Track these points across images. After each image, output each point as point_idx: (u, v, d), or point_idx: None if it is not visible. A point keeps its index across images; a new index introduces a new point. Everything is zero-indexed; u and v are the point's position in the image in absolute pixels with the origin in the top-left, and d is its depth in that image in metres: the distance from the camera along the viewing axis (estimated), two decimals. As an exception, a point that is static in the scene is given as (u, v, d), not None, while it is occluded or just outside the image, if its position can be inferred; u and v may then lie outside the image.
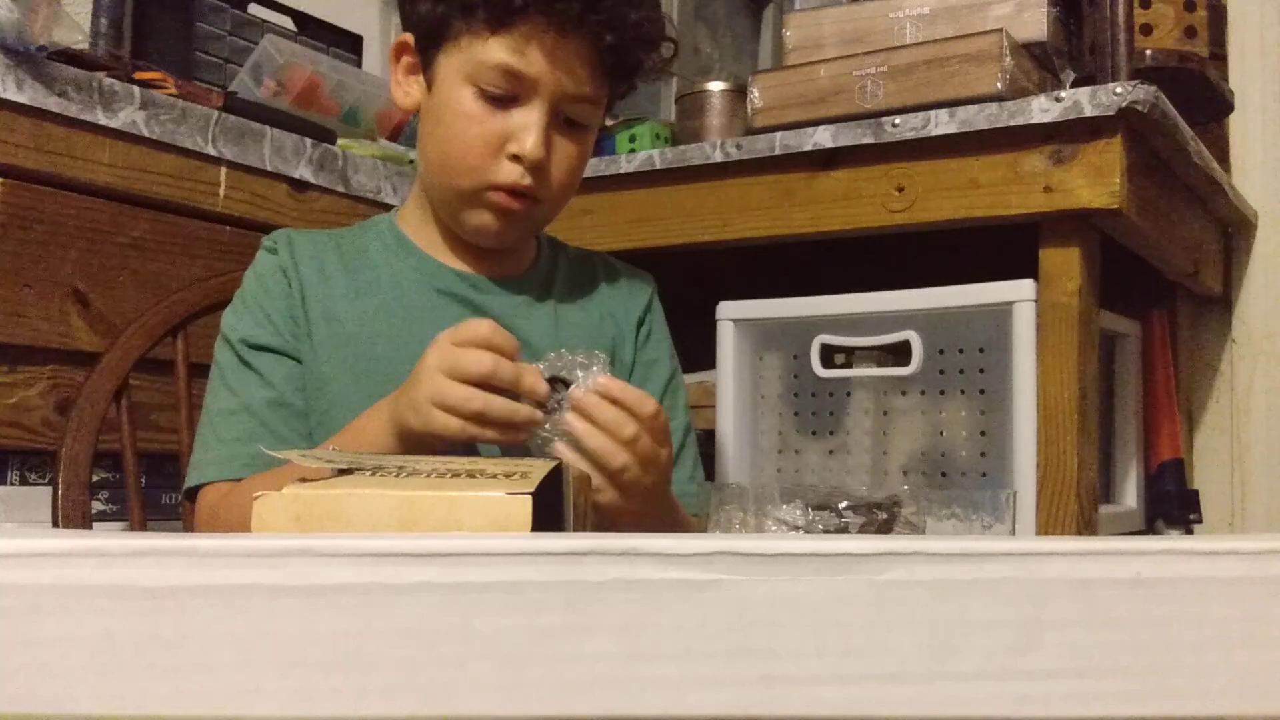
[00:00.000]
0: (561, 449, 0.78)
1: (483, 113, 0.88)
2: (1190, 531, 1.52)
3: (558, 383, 0.79)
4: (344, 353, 0.91)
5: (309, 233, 1.00)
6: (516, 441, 0.78)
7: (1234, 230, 1.65)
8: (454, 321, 0.94)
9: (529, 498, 0.46)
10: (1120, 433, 1.45)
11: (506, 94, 0.88)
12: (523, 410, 0.77)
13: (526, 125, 0.87)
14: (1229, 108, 1.52)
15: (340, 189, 1.37)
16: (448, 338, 0.78)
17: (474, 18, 0.87)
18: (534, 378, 0.77)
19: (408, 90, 0.95)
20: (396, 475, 0.50)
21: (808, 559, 0.32)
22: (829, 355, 1.28)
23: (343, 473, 0.52)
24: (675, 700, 0.31)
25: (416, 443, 0.79)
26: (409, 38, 0.95)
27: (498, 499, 0.46)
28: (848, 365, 1.28)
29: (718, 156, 1.33)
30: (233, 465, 0.87)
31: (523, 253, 1.01)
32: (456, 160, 0.90)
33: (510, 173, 0.88)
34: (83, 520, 1.00)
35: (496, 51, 0.86)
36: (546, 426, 0.78)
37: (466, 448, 0.92)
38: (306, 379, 0.91)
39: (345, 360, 0.91)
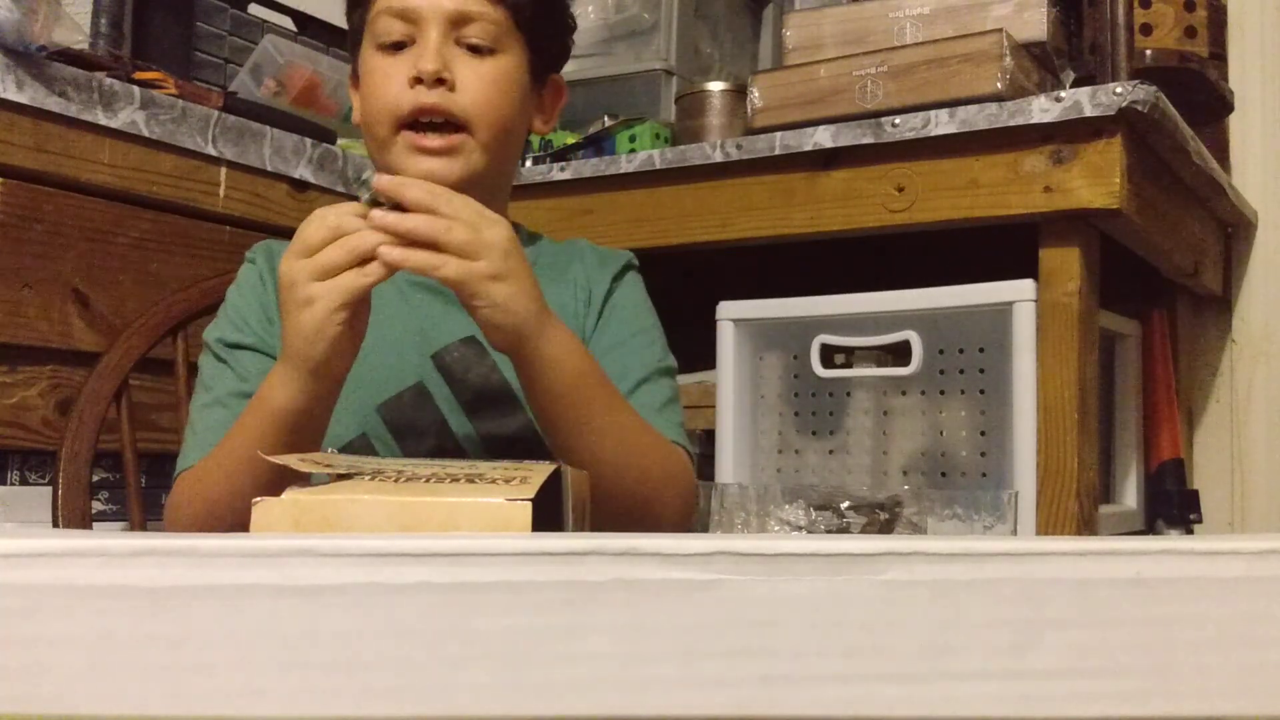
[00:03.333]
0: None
1: (386, 63, 0.91)
2: (1190, 531, 1.52)
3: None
4: None
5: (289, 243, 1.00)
6: (408, 262, 0.74)
7: (1234, 230, 1.65)
8: (426, 309, 0.95)
9: (528, 504, 0.46)
10: (1120, 433, 1.45)
11: (402, 38, 0.91)
12: (368, 236, 0.74)
13: (421, 52, 0.90)
14: (1229, 108, 1.52)
15: (340, 189, 1.37)
16: (293, 241, 0.76)
17: None
18: (375, 211, 0.75)
19: (358, 107, 0.98)
20: (395, 480, 0.50)
21: (808, 559, 0.32)
22: (829, 355, 1.28)
23: (340, 478, 0.51)
24: (675, 700, 0.31)
25: (320, 361, 0.76)
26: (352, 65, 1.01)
27: (497, 505, 0.46)
28: (848, 365, 1.28)
29: (718, 156, 1.33)
30: (205, 453, 0.88)
31: None
32: (373, 111, 0.92)
33: (414, 97, 0.89)
34: (83, 520, 1.00)
35: (381, 4, 0.91)
36: None
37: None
38: None
39: None
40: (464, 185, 0.91)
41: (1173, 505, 1.50)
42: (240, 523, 0.75)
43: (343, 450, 0.90)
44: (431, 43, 0.90)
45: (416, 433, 0.92)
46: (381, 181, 0.76)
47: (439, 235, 0.74)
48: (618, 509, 0.82)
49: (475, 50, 0.92)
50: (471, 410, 0.92)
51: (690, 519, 0.90)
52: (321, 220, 0.74)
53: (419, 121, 0.90)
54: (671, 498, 0.88)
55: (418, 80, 0.89)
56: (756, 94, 1.33)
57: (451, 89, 0.90)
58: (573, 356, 0.83)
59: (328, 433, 0.85)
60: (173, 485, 0.90)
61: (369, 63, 0.93)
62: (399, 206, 0.75)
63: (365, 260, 0.74)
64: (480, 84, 0.91)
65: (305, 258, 0.74)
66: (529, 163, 1.50)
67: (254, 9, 1.54)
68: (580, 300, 0.99)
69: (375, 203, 0.75)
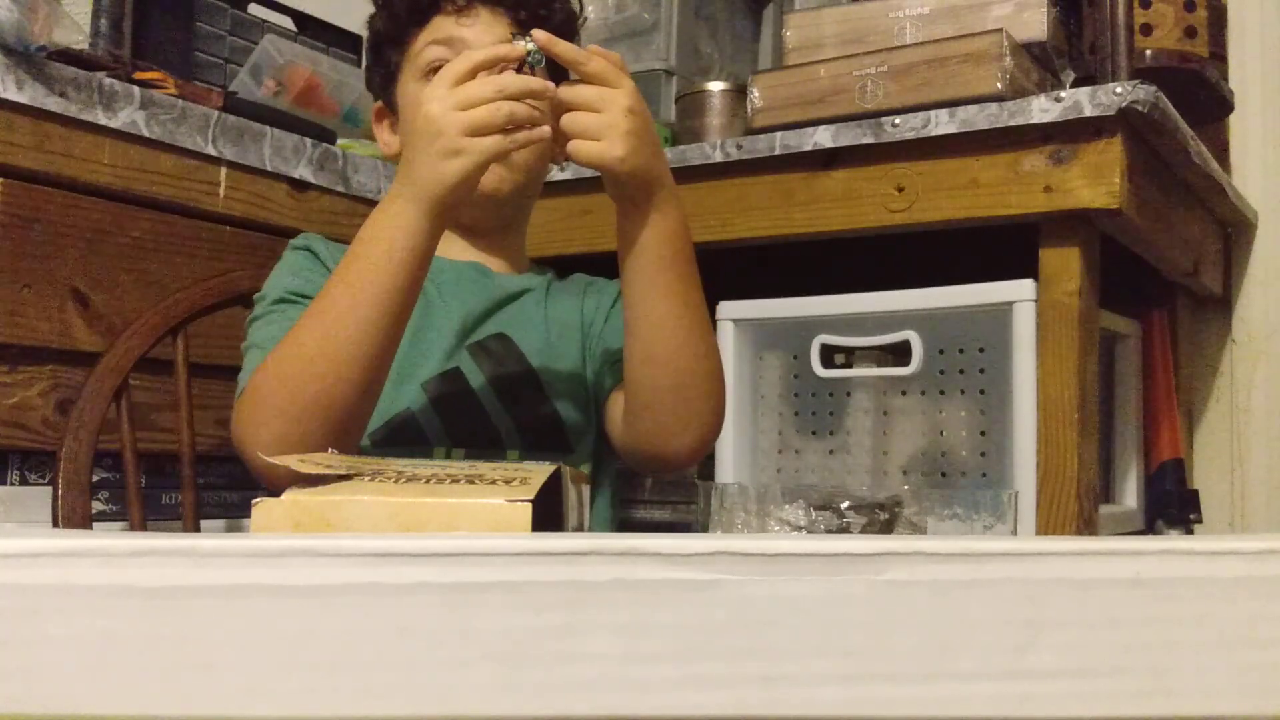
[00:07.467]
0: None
1: None
2: (1190, 531, 1.52)
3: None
4: None
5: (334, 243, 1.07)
6: (545, 136, 0.80)
7: (1234, 230, 1.65)
8: (476, 290, 1.02)
9: (529, 505, 0.46)
10: (1120, 433, 1.45)
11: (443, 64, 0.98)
12: (523, 108, 0.78)
13: None
14: (1229, 108, 1.52)
15: (340, 189, 1.37)
16: (440, 84, 0.79)
17: (403, 34, 1.02)
18: (536, 78, 0.80)
19: (386, 140, 1.07)
20: (396, 481, 0.50)
21: (808, 559, 0.32)
22: (829, 355, 1.28)
23: (341, 478, 0.51)
24: (675, 700, 0.31)
25: (448, 206, 0.80)
26: (378, 102, 1.09)
27: (498, 506, 0.46)
28: (848, 365, 1.28)
29: (718, 156, 1.33)
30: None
31: (518, 256, 1.11)
32: None
33: None
34: (83, 520, 1.00)
35: (426, 37, 1.00)
36: None
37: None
38: None
39: None
40: (515, 192, 1.02)
41: (1173, 505, 1.50)
42: (351, 380, 0.79)
43: (389, 424, 0.95)
44: None
45: (456, 411, 0.97)
46: (561, 47, 0.81)
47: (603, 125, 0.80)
48: (669, 383, 0.88)
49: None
50: (503, 396, 0.99)
51: (718, 431, 0.93)
52: (485, 78, 0.78)
53: None
54: (715, 390, 0.91)
55: None
56: (756, 94, 1.32)
57: None
58: (685, 230, 0.92)
59: (378, 405, 0.89)
60: (234, 409, 0.88)
61: (418, 94, 0.99)
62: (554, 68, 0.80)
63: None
64: None
65: (460, 109, 0.78)
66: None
67: (254, 9, 1.54)
68: (586, 317, 1.08)
69: (525, 63, 0.80)
